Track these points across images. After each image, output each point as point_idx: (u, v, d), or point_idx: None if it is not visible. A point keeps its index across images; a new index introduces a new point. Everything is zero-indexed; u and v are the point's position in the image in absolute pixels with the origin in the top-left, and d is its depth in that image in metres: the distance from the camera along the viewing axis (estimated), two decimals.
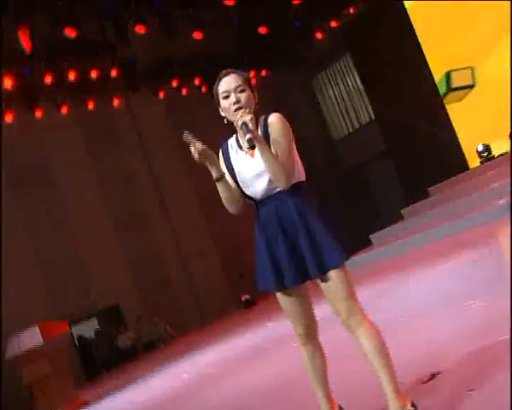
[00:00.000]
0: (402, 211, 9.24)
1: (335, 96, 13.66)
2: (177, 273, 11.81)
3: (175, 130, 11.63)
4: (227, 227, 11.12)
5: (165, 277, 11.64)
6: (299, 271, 2.34)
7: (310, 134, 13.33)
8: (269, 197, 2.43)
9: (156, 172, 12.05)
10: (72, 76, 9.56)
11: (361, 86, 12.81)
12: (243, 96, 2.36)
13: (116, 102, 11.08)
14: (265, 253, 2.40)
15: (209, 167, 2.37)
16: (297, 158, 2.42)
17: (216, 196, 2.41)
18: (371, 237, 8.96)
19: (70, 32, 8.44)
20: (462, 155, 10.65)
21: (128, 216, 11.40)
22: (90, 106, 10.64)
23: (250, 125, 2.27)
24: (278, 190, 2.39)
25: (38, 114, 10.00)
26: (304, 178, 2.45)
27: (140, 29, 9.91)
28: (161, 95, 11.64)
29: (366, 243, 9.06)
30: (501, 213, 5.90)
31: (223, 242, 11.76)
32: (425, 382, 2.57)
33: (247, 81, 2.40)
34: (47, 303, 10.17)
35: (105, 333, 10.72)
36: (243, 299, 10.64)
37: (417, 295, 4.56)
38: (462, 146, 10.69)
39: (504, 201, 6.06)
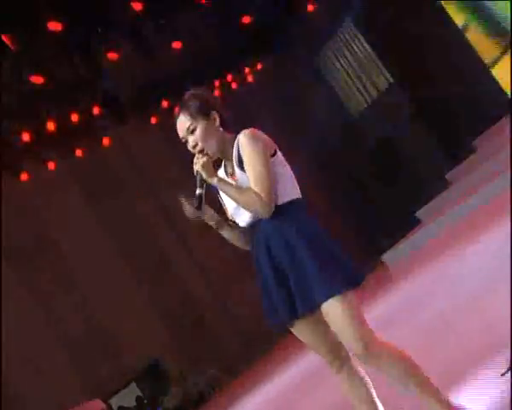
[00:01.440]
0: (447, 176, 9.11)
1: (345, 69, 13.54)
2: (213, 312, 11.81)
3: (177, 154, 11.50)
4: None
5: (200, 319, 11.66)
6: (293, 306, 2.36)
7: (325, 117, 13.22)
8: (256, 226, 2.49)
9: (169, 207, 12.02)
10: (51, 126, 9.62)
11: (370, 50, 12.74)
12: (198, 135, 2.47)
13: (106, 142, 11.14)
14: (262, 289, 2.47)
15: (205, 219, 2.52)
16: (284, 174, 2.46)
17: None
18: (418, 213, 8.84)
19: (36, 80, 8.51)
20: (504, 94, 10.36)
21: (148, 263, 11.47)
22: (79, 153, 10.70)
23: (203, 175, 2.41)
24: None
25: (24, 177, 10.08)
26: (295, 196, 2.47)
27: (112, 56, 9.96)
28: (153, 120, 11.71)
29: (415, 222, 8.92)
30: None
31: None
32: (503, 374, 2.55)
33: (194, 113, 2.49)
34: (75, 383, 10.23)
35: (148, 397, 10.73)
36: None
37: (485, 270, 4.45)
38: (503, 85, 10.42)
39: None
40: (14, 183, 9.98)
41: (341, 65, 13.52)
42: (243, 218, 2.52)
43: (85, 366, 10.43)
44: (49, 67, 9.07)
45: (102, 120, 10.78)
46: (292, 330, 2.47)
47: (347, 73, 13.52)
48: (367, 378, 2.38)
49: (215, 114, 2.54)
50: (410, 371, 2.22)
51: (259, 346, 11.22)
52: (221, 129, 2.53)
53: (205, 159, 2.45)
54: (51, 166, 10.47)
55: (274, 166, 2.45)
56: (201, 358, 10.97)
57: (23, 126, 9.48)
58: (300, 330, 2.45)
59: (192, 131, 2.50)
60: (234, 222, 2.60)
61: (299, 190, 2.52)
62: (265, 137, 2.48)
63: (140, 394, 10.81)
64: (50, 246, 10.91)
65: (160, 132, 11.75)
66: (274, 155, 2.47)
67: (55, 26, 8.13)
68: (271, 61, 12.81)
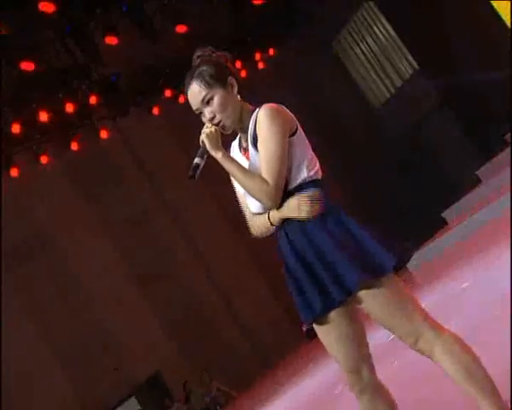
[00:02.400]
0: (477, 172, 9.01)
1: (365, 55, 13.47)
2: (221, 319, 11.78)
3: (181, 147, 11.65)
4: (268, 247, 10.97)
5: (207, 326, 11.60)
6: (327, 296, 2.33)
7: (344, 108, 13.28)
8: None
9: (172, 204, 12.07)
10: (43, 117, 9.56)
11: (393, 33, 12.64)
12: (215, 105, 2.43)
13: (104, 134, 11.10)
14: (292, 284, 2.43)
15: None
16: (305, 153, 2.44)
17: None
18: (445, 214, 8.77)
19: (27, 66, 8.46)
20: None
21: (150, 264, 11.42)
22: (74, 147, 10.65)
23: (206, 145, 2.39)
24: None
25: (14, 172, 10.03)
26: (315, 177, 2.44)
27: (111, 40, 9.91)
28: (156, 111, 11.67)
29: (440, 223, 8.88)
30: None
31: (267, 266, 11.50)
32: None
33: (210, 80, 2.44)
34: (72, 399, 10.20)
35: None
36: (304, 329, 10.47)
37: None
38: None
39: None
40: (3, 178, 9.93)
41: (361, 50, 13.44)
42: (253, 202, 2.49)
43: (83, 379, 10.40)
44: (41, 52, 9.07)
45: (100, 110, 10.83)
46: (319, 328, 2.46)
47: (368, 60, 13.42)
48: (392, 403, 2.31)
49: (232, 80, 2.49)
50: (471, 370, 2.14)
51: (270, 357, 11.27)
52: (239, 96, 2.49)
53: (213, 129, 2.42)
54: (44, 160, 10.41)
55: (293, 146, 2.42)
56: (208, 370, 10.91)
57: (13, 117, 9.41)
58: (328, 328, 2.43)
59: (208, 102, 2.45)
60: None
61: (320, 172, 2.49)
62: (288, 114, 2.43)
63: (140, 409, 10.77)
64: (45, 248, 10.91)
65: (163, 124, 11.97)
66: (294, 133, 2.44)
67: (47, 7, 8.04)
68: (285, 47, 12.77)
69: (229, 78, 2.49)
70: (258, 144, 2.40)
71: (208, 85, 2.44)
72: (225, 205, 11.18)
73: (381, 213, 12.36)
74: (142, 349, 10.96)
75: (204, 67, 2.47)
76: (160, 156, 12.02)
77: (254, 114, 2.46)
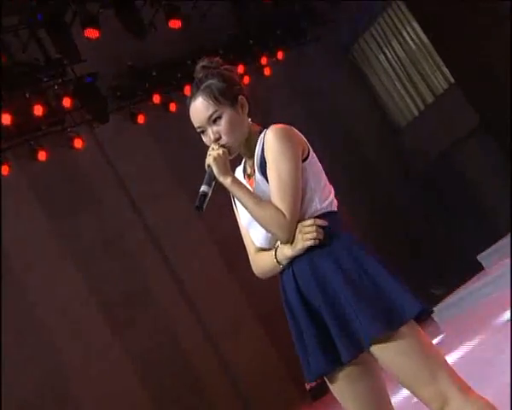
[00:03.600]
0: None
1: (389, 63, 13.49)
2: (207, 367, 11.55)
3: (169, 163, 11.65)
4: (268, 284, 10.84)
5: (190, 375, 11.39)
6: (335, 352, 2.37)
7: (363, 127, 13.33)
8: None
9: (155, 228, 11.95)
10: (6, 119, 9.50)
11: (425, 39, 12.64)
12: (223, 126, 2.56)
13: (78, 144, 11.09)
14: (294, 331, 2.52)
15: None
16: (318, 182, 2.55)
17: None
18: (480, 257, 8.82)
19: None
20: None
21: (125, 298, 11.29)
22: (42, 157, 10.57)
23: (214, 170, 2.51)
24: None
25: None
26: (330, 208, 2.55)
27: (91, 33, 9.96)
28: (140, 119, 11.72)
29: (475, 268, 8.91)
30: None
31: (265, 306, 11.42)
32: None
33: (219, 97, 2.56)
34: None
35: None
36: (307, 387, 10.35)
37: None
38: None
39: None
40: None
41: (386, 58, 13.42)
42: (258, 235, 2.62)
43: None
44: (6, 44, 9.04)
45: (75, 115, 10.80)
46: (331, 386, 2.51)
47: (393, 69, 13.39)
48: None
49: (243, 100, 2.62)
50: None
51: None
52: (249, 119, 2.63)
53: (220, 151, 2.53)
54: (4, 170, 10.33)
55: (305, 173, 2.53)
56: None
57: None
58: (341, 386, 2.47)
59: (215, 120, 2.57)
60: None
61: (335, 202, 2.59)
62: (299, 136, 2.55)
63: None
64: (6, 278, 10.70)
65: (148, 134, 11.90)
66: (307, 158, 2.55)
67: None
68: (296, 50, 12.78)
69: (240, 97, 2.61)
70: (268, 170, 2.50)
71: (217, 102, 2.55)
72: (216, 231, 11.26)
73: (404, 250, 12.38)
74: (110, 399, 10.79)
75: (213, 81, 2.58)
76: (143, 172, 11.92)
77: (261, 135, 2.57)
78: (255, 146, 2.58)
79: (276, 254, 2.56)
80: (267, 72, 12.57)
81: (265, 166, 2.53)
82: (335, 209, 2.58)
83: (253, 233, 2.65)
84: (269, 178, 2.51)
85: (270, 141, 2.49)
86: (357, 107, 13.44)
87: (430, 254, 12.21)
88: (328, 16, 12.50)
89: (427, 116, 13.00)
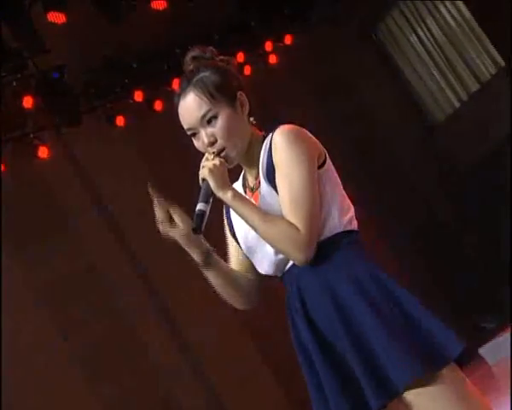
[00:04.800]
0: None
1: (424, 45, 13.29)
2: None
3: (153, 174, 11.47)
4: (275, 318, 10.82)
5: None
6: (354, 397, 2.43)
7: (392, 126, 13.22)
8: (289, 273, 2.62)
9: (138, 255, 11.79)
10: None
11: (468, 15, 12.56)
12: (219, 127, 2.62)
13: (43, 152, 10.92)
14: (302, 364, 2.58)
15: (186, 248, 2.73)
16: (335, 194, 2.61)
17: None
18: None
19: None
20: None
21: (102, 346, 11.11)
22: None
23: (210, 183, 2.57)
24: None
25: None
26: (350, 227, 2.60)
27: (56, 17, 9.91)
28: (119, 121, 11.59)
29: None
30: None
31: (273, 346, 11.31)
32: None
33: (217, 93, 2.62)
34: None
35: None
36: None
37: None
38: None
39: None
40: None
41: (419, 39, 13.29)
42: (263, 260, 2.64)
43: None
44: None
45: (39, 117, 10.74)
46: None
47: (428, 52, 13.29)
48: None
49: (243, 97, 2.68)
50: None
51: None
52: (251, 119, 2.70)
53: (217, 161, 2.57)
54: None
55: (322, 183, 2.57)
56: None
57: None
58: None
59: (209, 121, 2.63)
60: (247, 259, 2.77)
61: (355, 220, 2.64)
62: (313, 139, 2.60)
63: None
64: None
65: (128, 139, 11.80)
66: (323, 164, 2.61)
67: None
68: (307, 34, 12.65)
69: (239, 93, 2.68)
70: (276, 179, 2.55)
71: (212, 99, 2.61)
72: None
73: (443, 276, 12.35)
74: None
75: (207, 74, 2.65)
76: (122, 186, 11.74)
77: (266, 140, 2.63)
78: (259, 153, 2.63)
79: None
80: (272, 60, 12.37)
81: (274, 173, 2.56)
82: (356, 228, 2.62)
83: (257, 258, 2.66)
84: (278, 189, 2.54)
85: (279, 144, 2.53)
86: (384, 100, 13.34)
87: (481, 277, 12.04)
88: None
89: (471, 108, 12.90)
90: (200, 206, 2.60)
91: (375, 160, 12.92)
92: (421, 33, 13.30)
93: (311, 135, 2.60)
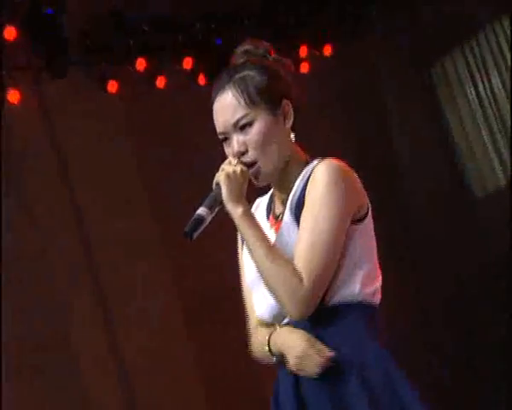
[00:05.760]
0: None
1: (480, 102, 13.01)
2: None
3: (143, 165, 11.35)
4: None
5: None
6: None
7: (425, 189, 13.06)
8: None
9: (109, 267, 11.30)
10: None
11: None
12: (254, 136, 2.69)
13: (14, 97, 10.61)
14: None
15: None
16: (367, 255, 2.65)
17: None
18: None
19: None
20: None
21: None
22: None
23: (223, 190, 2.63)
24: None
25: None
26: (371, 300, 2.65)
27: None
28: (112, 87, 11.37)
29: None
30: None
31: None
32: None
33: (257, 97, 2.70)
34: None
35: None
36: None
37: None
38: None
39: None
40: None
41: (477, 92, 13.13)
42: (260, 301, 2.74)
43: None
44: None
45: (18, 54, 10.56)
46: None
47: (484, 113, 13.10)
48: None
49: (289, 107, 2.78)
50: None
51: None
52: (292, 135, 2.78)
53: (238, 168, 2.64)
54: None
55: (354, 239, 2.63)
56: None
57: None
58: None
59: (243, 127, 2.71)
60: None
61: (379, 293, 2.70)
62: (358, 186, 2.70)
63: None
64: None
65: (119, 112, 11.69)
66: (364, 217, 2.69)
67: None
68: (350, 46, 12.64)
69: (285, 101, 2.78)
70: (302, 216, 2.62)
71: (251, 103, 2.71)
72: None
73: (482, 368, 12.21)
74: None
75: (252, 73, 2.74)
76: (95, 160, 11.48)
77: (308, 167, 2.71)
78: (295, 178, 2.70)
79: (269, 339, 2.64)
80: (304, 68, 12.21)
81: (302, 208, 2.62)
82: (377, 303, 2.68)
83: (256, 297, 2.75)
84: (300, 226, 2.60)
85: (320, 178, 2.60)
86: (421, 156, 13.15)
87: None
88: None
89: None
90: (201, 211, 2.62)
91: (399, 231, 12.69)
92: (480, 86, 13.06)
93: (358, 181, 2.67)
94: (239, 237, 2.86)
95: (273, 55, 2.84)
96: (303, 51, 12.12)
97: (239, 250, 2.92)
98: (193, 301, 11.33)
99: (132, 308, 11.27)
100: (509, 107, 12.69)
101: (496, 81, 12.83)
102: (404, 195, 13.02)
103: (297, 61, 12.14)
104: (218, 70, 11.95)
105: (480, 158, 13.19)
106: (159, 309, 11.39)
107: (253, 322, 2.81)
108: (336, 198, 2.56)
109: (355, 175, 2.70)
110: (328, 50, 12.30)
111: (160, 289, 11.47)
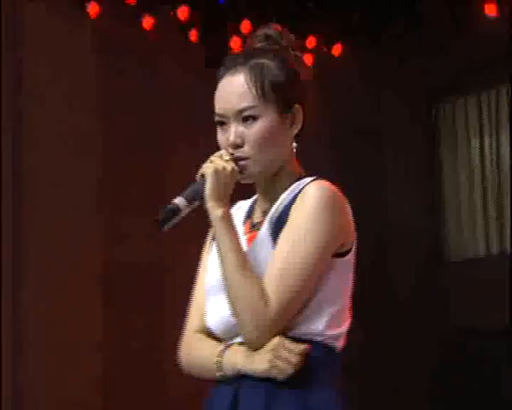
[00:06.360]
0: None
1: (482, 160, 12.92)
2: None
3: (97, 98, 11.02)
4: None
5: None
6: None
7: (399, 243, 13.04)
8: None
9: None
10: None
11: None
12: (255, 131, 2.72)
13: None
14: None
15: None
16: (340, 292, 2.71)
17: None
18: None
19: None
20: None
21: None
22: None
23: (207, 185, 2.66)
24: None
25: None
26: (335, 343, 2.68)
27: None
28: (93, 10, 10.99)
29: None
30: None
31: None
32: None
33: (269, 90, 2.73)
34: None
35: None
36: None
37: None
38: None
39: None
40: None
41: (481, 148, 13.08)
42: (216, 313, 2.73)
43: None
44: None
45: None
46: None
47: (483, 172, 13.05)
48: None
49: (299, 113, 2.80)
50: None
51: None
52: (294, 144, 2.80)
53: (229, 166, 2.65)
54: None
55: (332, 273, 2.63)
56: None
57: None
58: None
59: (246, 118, 2.70)
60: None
61: (343, 341, 2.69)
62: (349, 217, 2.71)
63: None
64: None
65: (91, 39, 11.35)
66: (347, 252, 2.71)
67: None
68: (369, 49, 12.54)
69: (297, 106, 2.77)
70: (282, 233, 2.60)
71: (262, 96, 2.69)
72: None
73: None
74: None
75: (271, 64, 2.72)
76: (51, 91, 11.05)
77: (299, 183, 2.71)
78: (284, 189, 2.69)
79: (221, 354, 2.61)
80: (307, 60, 11.94)
81: (283, 225, 2.60)
82: (339, 351, 2.66)
83: (211, 305, 2.72)
84: (278, 244, 2.58)
85: (309, 199, 2.58)
86: (403, 208, 12.98)
87: None
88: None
89: (493, 268, 12.53)
90: (179, 201, 2.61)
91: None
92: (486, 142, 12.91)
93: (350, 213, 2.66)
94: (210, 235, 2.85)
95: (296, 53, 2.82)
96: (310, 42, 11.90)
97: (206, 248, 2.89)
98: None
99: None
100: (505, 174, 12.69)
101: (505, 143, 12.68)
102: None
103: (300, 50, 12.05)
104: (213, 32, 11.50)
105: (464, 218, 13.20)
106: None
107: (192, 327, 2.78)
108: (323, 226, 2.55)
109: (348, 206, 2.68)
110: (337, 50, 12.16)
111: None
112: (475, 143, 13.02)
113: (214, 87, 2.99)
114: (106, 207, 11.11)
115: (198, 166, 2.82)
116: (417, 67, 12.73)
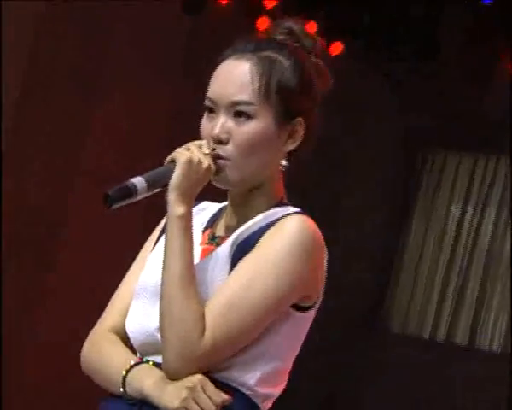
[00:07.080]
0: None
1: (458, 229, 12.75)
2: None
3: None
4: None
5: None
6: None
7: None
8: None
9: None
10: None
11: None
12: (242, 132, 2.65)
13: None
14: None
15: None
16: (289, 348, 2.65)
17: None
18: None
19: None
20: None
21: None
22: None
23: (175, 173, 2.59)
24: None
25: None
26: (260, 404, 2.64)
27: None
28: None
29: None
30: None
31: None
32: None
33: (274, 94, 2.66)
34: None
35: None
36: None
37: None
38: None
39: None
40: None
41: (462, 216, 12.94)
42: (142, 320, 2.69)
43: None
44: None
45: None
46: None
47: (455, 243, 12.92)
48: None
49: (300, 128, 2.72)
50: None
51: None
52: (284, 163, 2.74)
53: (206, 162, 2.61)
54: None
55: (283, 324, 2.61)
56: None
57: None
58: None
59: (239, 114, 2.65)
60: None
61: (271, 403, 2.69)
62: (322, 268, 2.66)
63: None
64: None
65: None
66: (310, 308, 2.66)
67: None
68: (361, 54, 12.52)
69: (299, 119, 2.70)
70: (243, 260, 2.57)
71: (264, 95, 2.64)
72: None
73: None
74: None
75: (286, 64, 2.66)
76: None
77: (278, 209, 2.67)
78: (259, 210, 2.66)
79: (128, 371, 2.57)
80: None
81: (247, 252, 2.56)
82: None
83: (136, 308, 2.67)
84: (236, 270, 2.54)
85: (289, 231, 2.55)
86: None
87: None
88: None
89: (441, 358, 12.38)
90: (138, 182, 2.52)
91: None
92: (469, 212, 12.74)
93: (325, 264, 2.62)
94: (159, 228, 2.78)
95: (318, 60, 2.70)
96: (311, 27, 11.47)
97: (150, 240, 2.82)
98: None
99: None
100: (485, 258, 12.59)
101: (489, 220, 12.64)
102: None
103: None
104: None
105: (422, 296, 12.91)
106: None
107: (107, 324, 2.69)
108: (294, 266, 2.48)
109: (326, 254, 2.62)
110: (337, 49, 11.70)
111: None
112: (456, 209, 12.90)
113: None
114: None
115: None
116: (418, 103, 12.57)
